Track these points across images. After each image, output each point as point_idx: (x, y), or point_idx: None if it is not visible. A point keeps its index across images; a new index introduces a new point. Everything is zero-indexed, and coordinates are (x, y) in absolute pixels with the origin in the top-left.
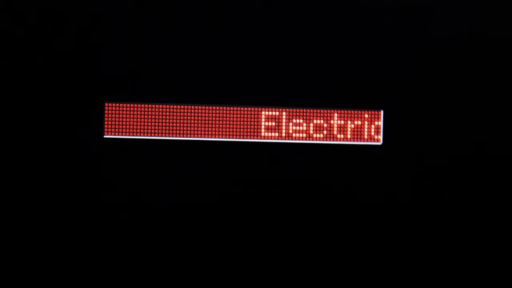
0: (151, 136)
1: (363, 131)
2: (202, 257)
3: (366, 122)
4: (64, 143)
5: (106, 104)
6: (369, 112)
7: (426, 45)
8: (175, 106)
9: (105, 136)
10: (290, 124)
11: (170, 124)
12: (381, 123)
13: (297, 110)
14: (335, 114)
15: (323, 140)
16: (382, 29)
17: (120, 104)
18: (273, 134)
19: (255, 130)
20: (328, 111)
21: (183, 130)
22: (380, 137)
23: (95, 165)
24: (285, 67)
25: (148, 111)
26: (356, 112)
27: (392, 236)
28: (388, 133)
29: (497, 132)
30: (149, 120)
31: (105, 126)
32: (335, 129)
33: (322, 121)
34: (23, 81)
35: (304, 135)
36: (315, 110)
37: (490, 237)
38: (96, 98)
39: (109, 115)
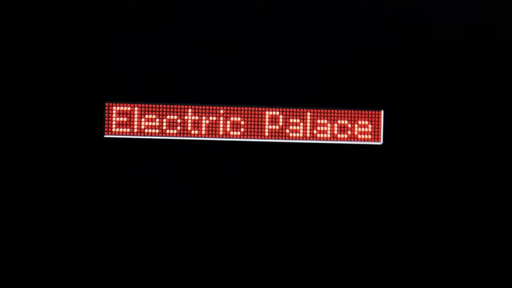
0: (151, 136)
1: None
2: (202, 257)
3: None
4: (64, 143)
5: (106, 104)
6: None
7: (426, 45)
8: (175, 106)
9: (105, 136)
10: (290, 124)
11: (170, 124)
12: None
13: (297, 110)
14: (335, 114)
15: (322, 140)
16: (382, 29)
17: (120, 104)
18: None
19: (259, 129)
20: (329, 110)
21: (183, 130)
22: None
23: (95, 165)
24: (284, 67)
25: (148, 111)
26: (356, 112)
27: (392, 236)
28: (388, 133)
29: (497, 132)
30: (149, 120)
31: (105, 126)
32: (335, 129)
33: (326, 121)
34: (23, 81)
35: (301, 134)
36: (315, 110)
37: (490, 237)
38: (96, 98)
39: (109, 115)
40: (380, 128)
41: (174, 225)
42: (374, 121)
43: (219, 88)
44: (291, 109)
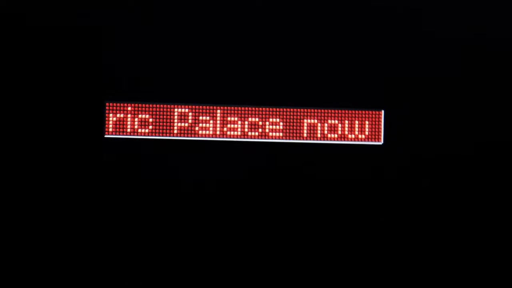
0: (151, 136)
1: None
2: (202, 257)
3: (367, 122)
4: (64, 143)
5: (107, 104)
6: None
7: (426, 45)
8: (175, 106)
9: (105, 136)
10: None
11: (171, 123)
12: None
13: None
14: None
15: (322, 139)
16: (383, 29)
17: (120, 104)
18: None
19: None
20: (327, 110)
21: (184, 130)
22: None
23: (95, 165)
24: (284, 67)
25: (148, 111)
26: (356, 112)
27: (392, 236)
28: (388, 133)
29: (498, 133)
30: (150, 120)
31: (106, 126)
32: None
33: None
34: (23, 81)
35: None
36: (318, 110)
37: (490, 237)
38: (96, 98)
39: (109, 115)
40: (380, 128)
41: (175, 226)
42: (374, 121)
43: (220, 88)
44: (290, 109)
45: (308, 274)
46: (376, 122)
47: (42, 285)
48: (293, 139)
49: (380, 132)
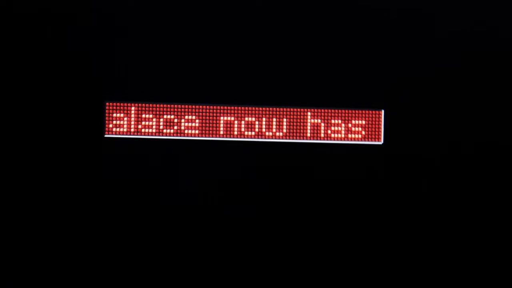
0: (151, 136)
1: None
2: (202, 257)
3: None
4: (64, 143)
5: (107, 104)
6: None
7: (426, 45)
8: (175, 106)
9: (105, 136)
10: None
11: (171, 123)
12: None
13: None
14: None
15: (323, 140)
16: (383, 29)
17: (120, 104)
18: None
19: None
20: (327, 110)
21: (184, 130)
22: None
23: (95, 165)
24: (284, 67)
25: (148, 111)
26: (356, 111)
27: (392, 236)
28: (388, 133)
29: (498, 132)
30: (150, 119)
31: (106, 126)
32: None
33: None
34: (23, 81)
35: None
36: (320, 110)
37: (490, 237)
38: (96, 98)
39: (109, 115)
40: (380, 128)
41: (175, 226)
42: (374, 121)
43: (220, 88)
44: (289, 109)
45: (306, 274)
46: (376, 122)
47: (42, 285)
48: (296, 139)
49: (380, 132)
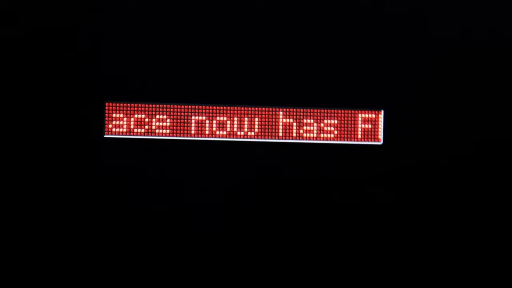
0: (151, 136)
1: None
2: (203, 258)
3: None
4: (64, 143)
5: (106, 104)
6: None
7: (427, 45)
8: (175, 106)
9: (105, 136)
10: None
11: (171, 123)
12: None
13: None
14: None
15: (322, 140)
16: (383, 29)
17: (120, 104)
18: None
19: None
20: (328, 110)
21: (184, 129)
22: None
23: (95, 165)
24: (284, 67)
25: (148, 111)
26: (356, 111)
27: (392, 236)
28: (388, 133)
29: (498, 132)
30: (150, 120)
31: (105, 126)
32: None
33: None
34: (23, 81)
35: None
36: (318, 110)
37: (490, 237)
38: (96, 98)
39: (109, 115)
40: (380, 128)
41: (175, 226)
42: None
43: (220, 88)
44: (287, 109)
45: (304, 274)
46: (376, 122)
47: (42, 285)
48: (295, 139)
49: (380, 132)
